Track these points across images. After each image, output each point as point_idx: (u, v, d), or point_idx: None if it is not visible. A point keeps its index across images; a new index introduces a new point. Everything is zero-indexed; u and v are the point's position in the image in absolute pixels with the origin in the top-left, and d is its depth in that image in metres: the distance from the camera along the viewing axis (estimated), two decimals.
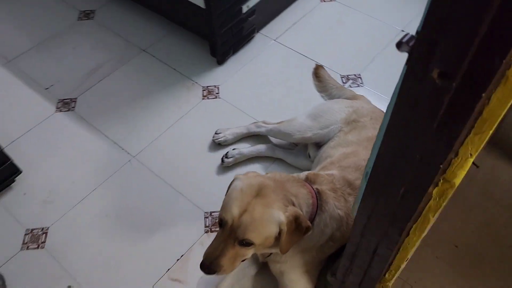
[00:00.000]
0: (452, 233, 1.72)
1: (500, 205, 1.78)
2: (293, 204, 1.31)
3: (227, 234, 1.26)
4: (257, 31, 2.45)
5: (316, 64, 2.06)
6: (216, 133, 2.01)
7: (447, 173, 0.79)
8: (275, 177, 1.37)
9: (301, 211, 1.32)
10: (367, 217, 0.97)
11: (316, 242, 1.44)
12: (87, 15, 2.60)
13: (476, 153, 0.73)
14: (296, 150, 1.94)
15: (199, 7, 2.09)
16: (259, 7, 2.30)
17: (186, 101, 2.19)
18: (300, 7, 2.58)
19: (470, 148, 0.72)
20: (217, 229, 1.36)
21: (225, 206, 1.28)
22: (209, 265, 1.26)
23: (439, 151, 0.71)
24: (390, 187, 0.83)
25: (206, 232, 1.75)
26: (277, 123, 1.91)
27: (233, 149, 1.95)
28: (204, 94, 2.22)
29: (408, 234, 1.00)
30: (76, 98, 2.21)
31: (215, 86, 2.25)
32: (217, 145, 2.00)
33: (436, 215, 0.91)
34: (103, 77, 2.29)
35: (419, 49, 0.61)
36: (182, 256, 1.70)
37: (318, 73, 2.03)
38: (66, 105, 2.19)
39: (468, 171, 1.81)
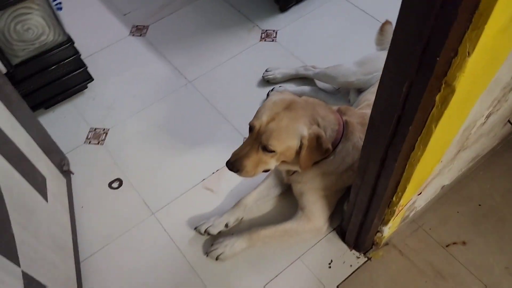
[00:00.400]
0: (479, 193, 1.74)
1: None
2: (318, 125, 1.41)
3: (254, 138, 1.40)
4: None
5: (386, 19, 2.06)
6: (266, 71, 2.15)
7: (448, 76, 0.86)
8: (308, 99, 1.48)
9: (325, 133, 1.42)
10: (379, 117, 1.05)
11: (336, 168, 1.53)
12: None
13: (473, 52, 0.79)
14: (339, 95, 2.02)
15: None
16: None
17: (245, 41, 2.34)
18: None
19: (468, 46, 0.79)
20: None
21: (257, 114, 1.42)
22: (233, 163, 1.42)
23: (436, 41, 0.78)
24: (397, 80, 0.90)
25: None
26: (325, 68, 2.01)
27: (279, 86, 2.07)
28: (262, 37, 2.35)
29: (413, 148, 1.08)
30: (148, 26, 2.45)
31: (273, 30, 2.37)
32: (265, 82, 2.14)
33: (438, 126, 0.98)
34: (174, 11, 2.50)
35: None
36: (217, 170, 1.88)
37: (384, 27, 2.04)
38: (139, 30, 2.43)
39: (507, 136, 1.79)
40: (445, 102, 0.92)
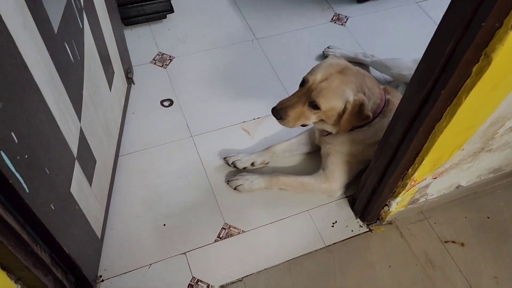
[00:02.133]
0: (491, 207, 1.82)
1: None
2: (364, 94, 1.54)
3: (303, 93, 1.55)
4: None
5: None
6: (328, 47, 2.29)
7: (488, 46, 0.98)
8: (360, 69, 1.62)
9: (368, 103, 1.55)
10: (418, 77, 1.16)
11: (367, 138, 1.65)
12: None
13: None
14: (389, 86, 2.13)
15: None
16: None
17: (317, 18, 2.50)
18: None
19: None
20: None
21: (312, 71, 1.56)
22: (279, 110, 1.57)
23: (485, 7, 0.90)
24: (444, 39, 1.02)
25: None
26: (383, 58, 2.13)
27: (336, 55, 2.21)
28: (333, 19, 2.50)
29: (440, 118, 1.19)
30: None
31: (345, 16, 2.51)
32: (325, 57, 2.28)
33: (468, 98, 1.09)
34: None
35: None
36: (258, 118, 2.04)
37: None
38: None
39: None
40: (480, 73, 1.03)
